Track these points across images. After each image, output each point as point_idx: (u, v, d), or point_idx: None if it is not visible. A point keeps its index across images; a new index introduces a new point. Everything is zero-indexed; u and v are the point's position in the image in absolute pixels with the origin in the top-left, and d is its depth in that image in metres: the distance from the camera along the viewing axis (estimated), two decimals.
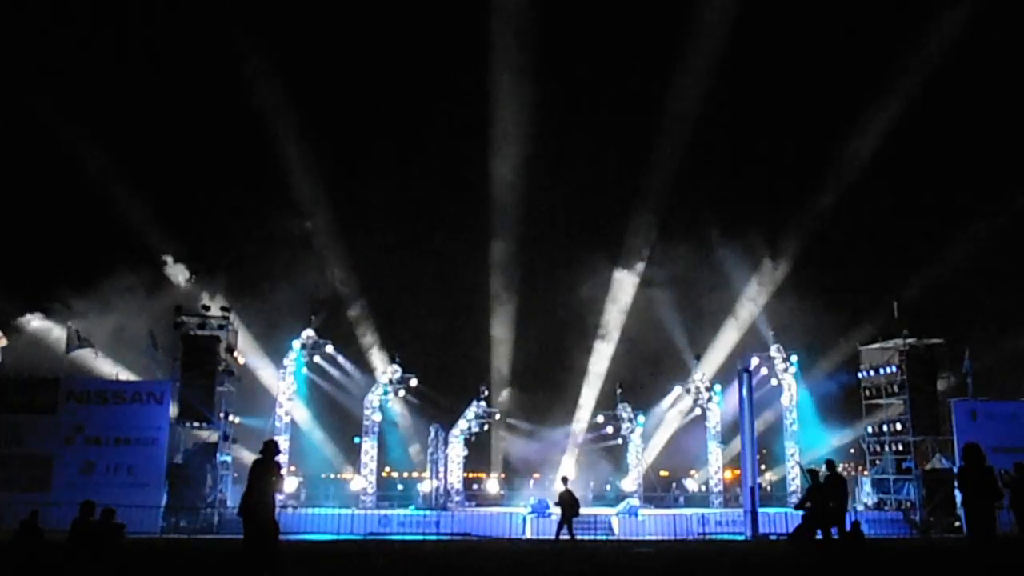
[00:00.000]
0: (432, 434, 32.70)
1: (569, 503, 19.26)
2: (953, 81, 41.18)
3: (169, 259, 34.07)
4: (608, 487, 37.26)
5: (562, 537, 19.08)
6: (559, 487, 20.33)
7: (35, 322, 31.77)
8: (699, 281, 38.05)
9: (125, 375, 29.98)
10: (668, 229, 38.62)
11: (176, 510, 27.03)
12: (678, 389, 36.19)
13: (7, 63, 35.92)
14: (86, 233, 40.65)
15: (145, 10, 45.66)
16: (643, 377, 38.45)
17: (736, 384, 32.01)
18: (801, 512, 15.48)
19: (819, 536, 14.92)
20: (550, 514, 26.43)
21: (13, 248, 36.98)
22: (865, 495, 32.14)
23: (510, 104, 36.89)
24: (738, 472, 31.71)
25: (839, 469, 17.50)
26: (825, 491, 15.12)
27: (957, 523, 27.21)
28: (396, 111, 49.46)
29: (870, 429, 32.20)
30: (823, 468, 15.96)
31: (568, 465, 36.89)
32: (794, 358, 33.32)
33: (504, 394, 37.67)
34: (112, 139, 38.32)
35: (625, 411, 35.49)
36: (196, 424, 28.74)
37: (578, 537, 19.75)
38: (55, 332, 31.25)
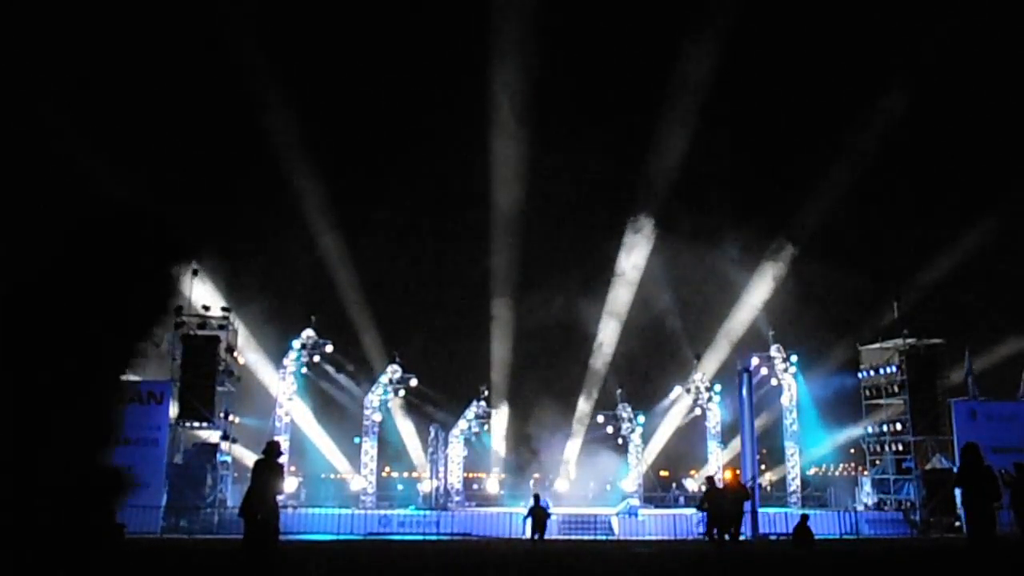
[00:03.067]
0: (432, 434, 32.69)
1: (540, 518, 21.07)
2: (955, 80, 41.13)
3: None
4: (608, 487, 37.24)
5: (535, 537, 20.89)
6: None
7: None
8: (699, 281, 38.02)
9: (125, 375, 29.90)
10: (668, 228, 38.55)
11: (176, 510, 27.04)
12: (678, 389, 36.20)
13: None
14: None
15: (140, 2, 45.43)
16: (643, 377, 38.47)
17: (736, 384, 32.08)
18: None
19: (715, 535, 17.48)
20: (551, 514, 26.45)
21: (13, 246, 36.87)
22: (865, 495, 32.18)
23: (510, 100, 36.85)
24: (738, 472, 31.70)
25: (740, 477, 21.82)
26: (719, 495, 17.75)
27: (957, 523, 27.21)
28: (396, 110, 49.34)
29: (870, 429, 32.21)
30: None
31: (568, 465, 36.89)
32: (794, 358, 33.33)
33: (503, 395, 37.62)
34: (111, 137, 38.21)
35: (625, 411, 35.47)
36: (196, 424, 28.76)
37: (575, 538, 20.33)
38: None
